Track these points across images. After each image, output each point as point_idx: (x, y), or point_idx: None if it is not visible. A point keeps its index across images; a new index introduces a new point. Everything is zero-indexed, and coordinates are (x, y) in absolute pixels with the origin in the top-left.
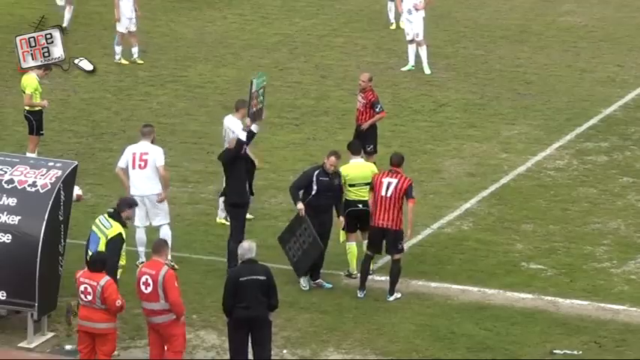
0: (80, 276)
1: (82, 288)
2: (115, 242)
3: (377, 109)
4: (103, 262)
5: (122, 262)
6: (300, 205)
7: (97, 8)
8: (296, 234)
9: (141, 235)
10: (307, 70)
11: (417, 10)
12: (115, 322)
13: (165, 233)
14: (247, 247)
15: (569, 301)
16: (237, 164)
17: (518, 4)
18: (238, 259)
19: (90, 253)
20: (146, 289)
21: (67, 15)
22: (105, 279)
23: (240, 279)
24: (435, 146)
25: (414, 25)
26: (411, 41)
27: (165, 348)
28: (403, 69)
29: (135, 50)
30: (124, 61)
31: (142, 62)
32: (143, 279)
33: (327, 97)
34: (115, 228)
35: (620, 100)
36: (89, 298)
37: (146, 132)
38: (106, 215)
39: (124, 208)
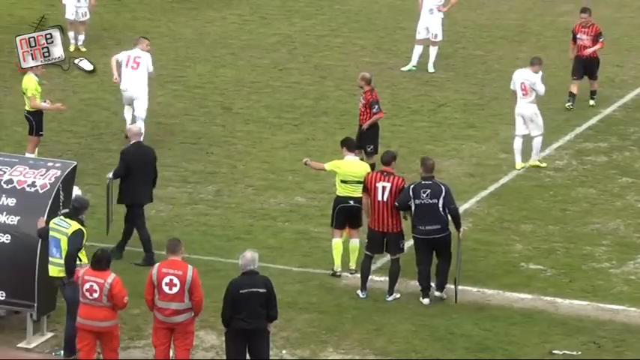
0: (84, 274)
1: (86, 286)
2: (76, 235)
3: (374, 110)
4: (108, 260)
5: (84, 260)
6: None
7: (95, 8)
8: None
9: (128, 113)
10: (306, 71)
11: (438, 11)
12: (117, 319)
13: (141, 125)
14: (250, 258)
15: (568, 302)
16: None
17: (517, 4)
18: (240, 269)
19: (51, 258)
20: (171, 289)
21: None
22: (112, 276)
23: (241, 291)
24: (434, 146)
25: (432, 25)
26: (420, 41)
27: (173, 345)
28: (403, 69)
29: (80, 38)
30: (71, 48)
31: (84, 49)
32: (166, 280)
33: (326, 97)
34: (74, 225)
35: (620, 101)
36: (95, 295)
37: (138, 42)
38: (61, 217)
39: (82, 211)
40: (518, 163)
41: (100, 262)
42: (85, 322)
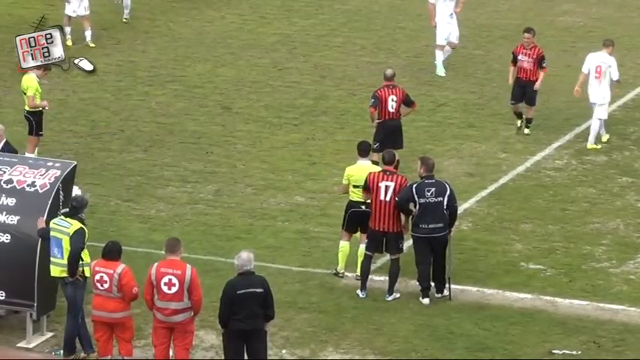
0: (95, 265)
1: (97, 277)
2: (78, 234)
3: (370, 105)
4: (119, 251)
5: (86, 259)
6: None
7: (94, 8)
8: None
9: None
10: (306, 70)
11: (456, 13)
12: (131, 310)
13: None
14: (246, 259)
15: (568, 301)
16: None
17: (517, 4)
18: (236, 269)
19: (53, 258)
20: (170, 289)
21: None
22: (121, 267)
23: (238, 292)
24: (434, 146)
25: (455, 29)
26: (441, 47)
27: (173, 345)
28: (442, 74)
29: (88, 34)
30: (69, 43)
31: (93, 45)
32: (165, 279)
33: (326, 97)
34: (75, 225)
35: (619, 100)
36: (105, 286)
37: None
38: (61, 217)
39: (82, 210)
40: (590, 144)
41: (111, 253)
42: (97, 313)
